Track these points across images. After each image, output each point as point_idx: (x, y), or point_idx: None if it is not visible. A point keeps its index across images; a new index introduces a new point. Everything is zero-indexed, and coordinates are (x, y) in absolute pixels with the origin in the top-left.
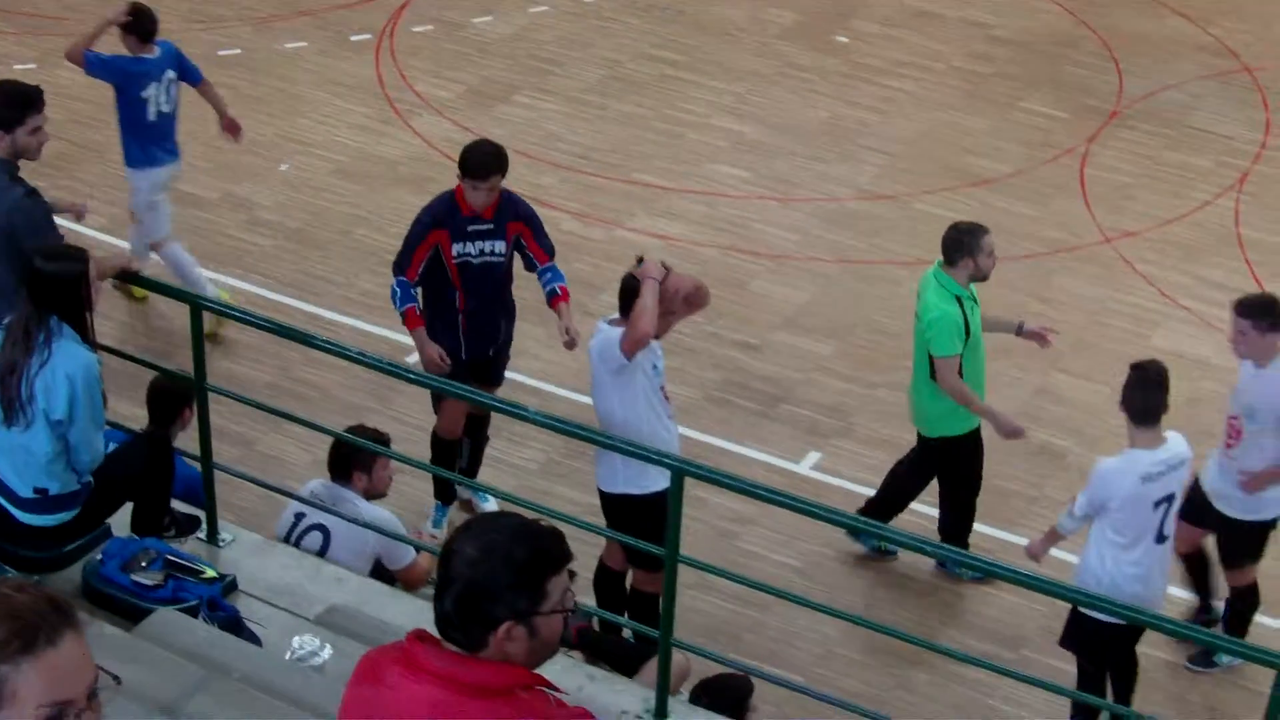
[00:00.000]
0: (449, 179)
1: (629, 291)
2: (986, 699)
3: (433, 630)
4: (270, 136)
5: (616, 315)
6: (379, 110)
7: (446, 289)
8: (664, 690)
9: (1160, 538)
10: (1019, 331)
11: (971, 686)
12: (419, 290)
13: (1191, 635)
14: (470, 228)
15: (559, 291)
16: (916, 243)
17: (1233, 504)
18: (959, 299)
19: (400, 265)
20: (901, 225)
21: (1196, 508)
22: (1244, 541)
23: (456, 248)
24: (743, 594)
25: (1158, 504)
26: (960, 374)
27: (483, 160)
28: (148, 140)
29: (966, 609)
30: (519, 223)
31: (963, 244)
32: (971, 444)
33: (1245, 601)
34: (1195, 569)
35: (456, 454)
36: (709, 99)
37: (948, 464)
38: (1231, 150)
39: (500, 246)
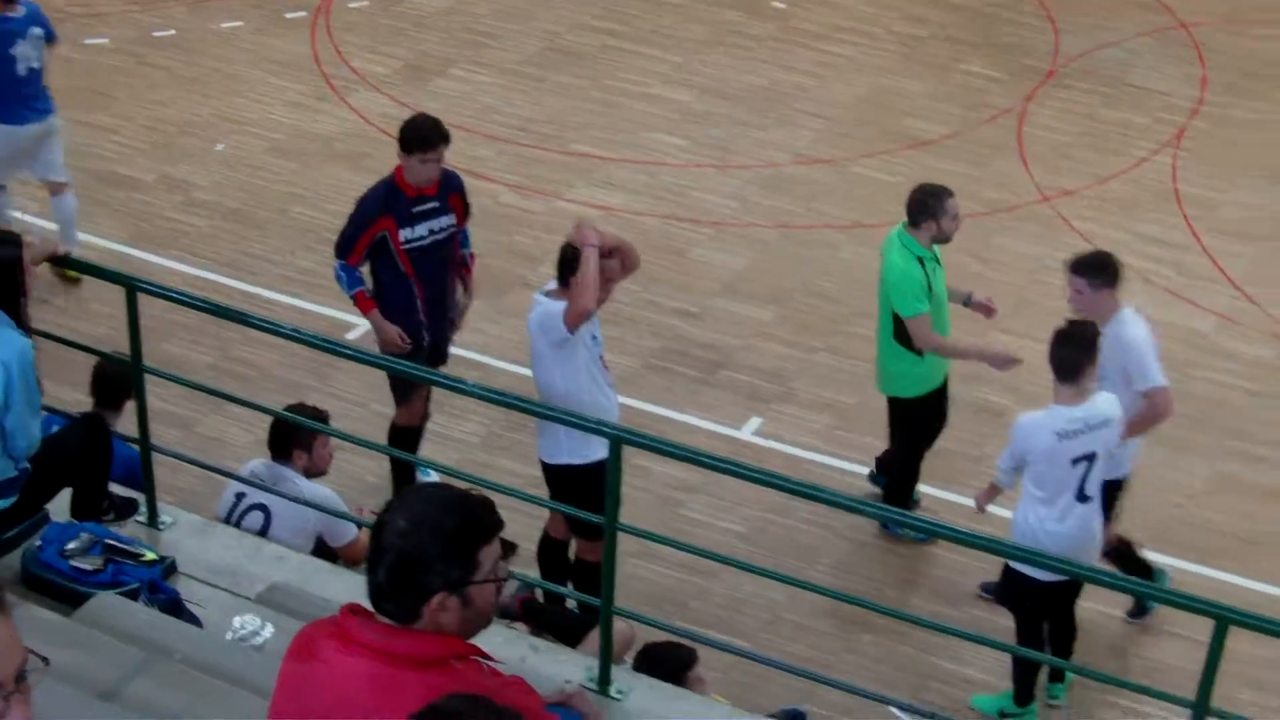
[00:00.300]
0: (386, 154)
1: (567, 261)
2: (932, 657)
3: (367, 604)
4: (206, 116)
5: (553, 286)
6: (315, 87)
7: (400, 279)
8: (606, 659)
9: (1082, 496)
10: (966, 302)
11: (917, 645)
12: (363, 273)
13: (1120, 586)
14: (415, 209)
15: (468, 261)
16: (855, 207)
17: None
18: (920, 260)
19: (343, 250)
20: (840, 189)
21: None
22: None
23: (404, 233)
24: (688, 561)
25: (1076, 461)
26: None
27: (430, 131)
28: (14, 98)
29: (910, 569)
30: (458, 195)
31: (927, 206)
32: (927, 408)
33: (1126, 555)
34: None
35: (418, 442)
36: (646, 68)
37: (900, 423)
38: (1168, 106)
39: (447, 220)
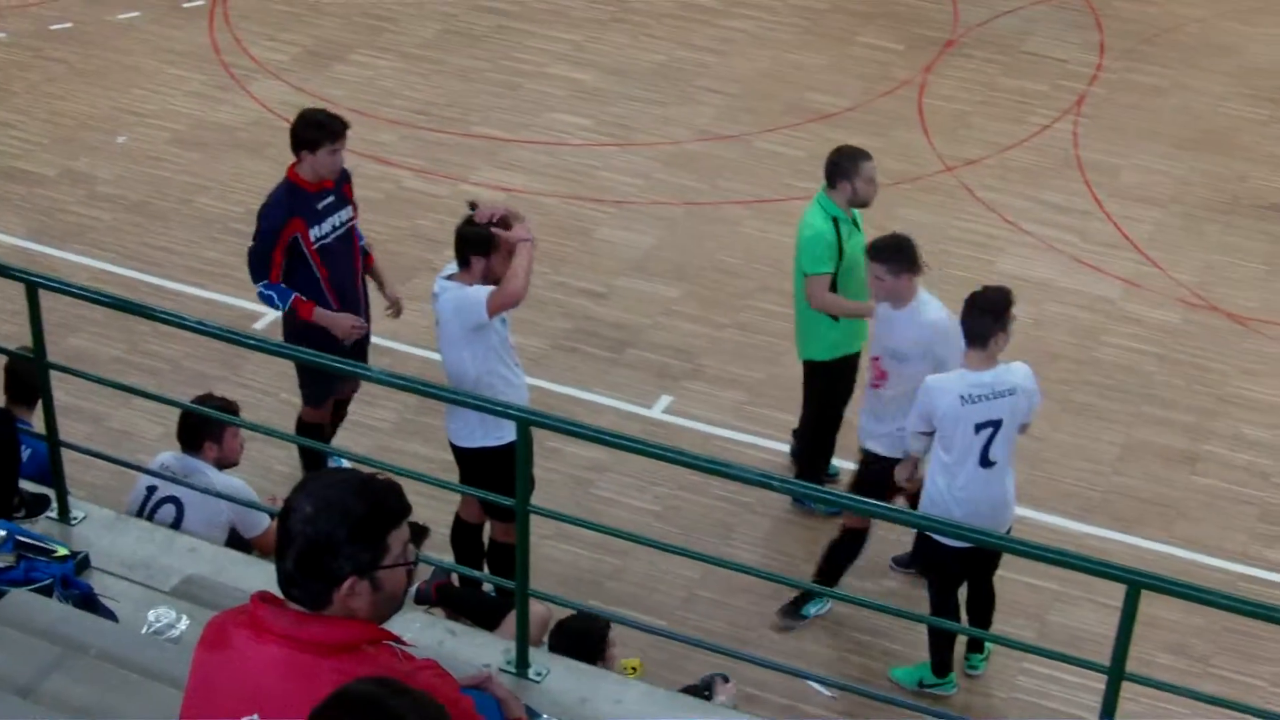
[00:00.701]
0: (287, 143)
1: (464, 240)
2: (850, 630)
3: (278, 592)
4: (106, 109)
5: (454, 269)
6: (214, 77)
7: (312, 281)
8: (524, 641)
9: (986, 462)
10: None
11: (834, 619)
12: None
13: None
14: (319, 205)
15: (369, 251)
16: (758, 181)
17: (881, 441)
18: (835, 220)
19: (260, 273)
20: (743, 165)
21: None
22: (881, 477)
23: (314, 232)
24: (603, 541)
25: (979, 427)
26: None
27: (337, 120)
28: None
29: (824, 543)
30: (349, 185)
31: (840, 168)
32: (839, 373)
33: (848, 549)
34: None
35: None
36: (545, 48)
37: (810, 388)
38: (1067, 73)
39: (347, 213)
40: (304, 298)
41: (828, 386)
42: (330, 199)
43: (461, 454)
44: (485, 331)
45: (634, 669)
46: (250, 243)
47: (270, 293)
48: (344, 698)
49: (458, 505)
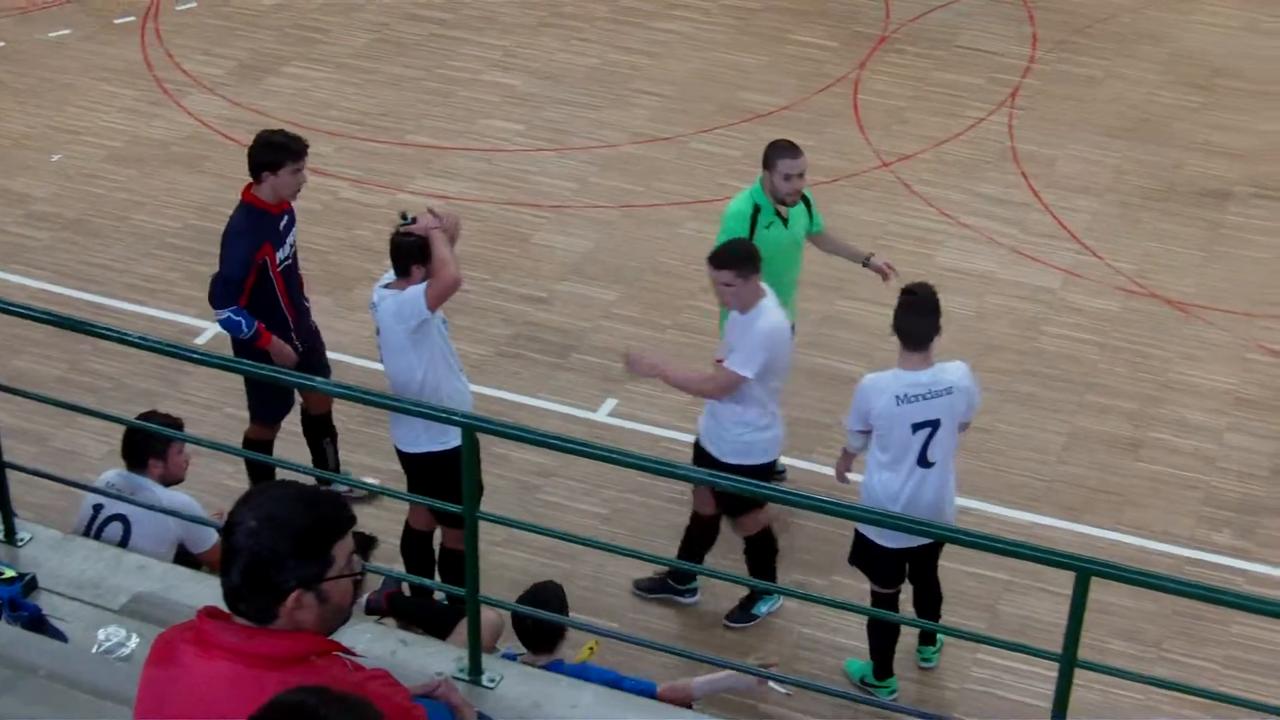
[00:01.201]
0: (224, 157)
1: (402, 250)
2: (800, 626)
3: (224, 606)
4: (40, 128)
5: (391, 278)
6: (148, 92)
7: (273, 303)
8: (476, 648)
9: (924, 462)
10: (865, 263)
11: (783, 615)
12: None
13: (972, 544)
14: (280, 226)
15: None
16: (694, 183)
17: (723, 448)
18: (758, 207)
19: (229, 296)
20: (679, 166)
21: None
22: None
23: (280, 254)
24: (552, 545)
25: (917, 427)
26: None
27: (298, 139)
28: None
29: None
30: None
31: (765, 158)
32: None
33: (763, 549)
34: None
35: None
36: (478, 55)
37: None
38: (1001, 66)
39: (295, 231)
40: (264, 326)
41: None
42: (286, 218)
43: (408, 460)
44: (428, 333)
45: (591, 649)
46: (217, 270)
47: (239, 319)
48: (276, 708)
49: (407, 514)
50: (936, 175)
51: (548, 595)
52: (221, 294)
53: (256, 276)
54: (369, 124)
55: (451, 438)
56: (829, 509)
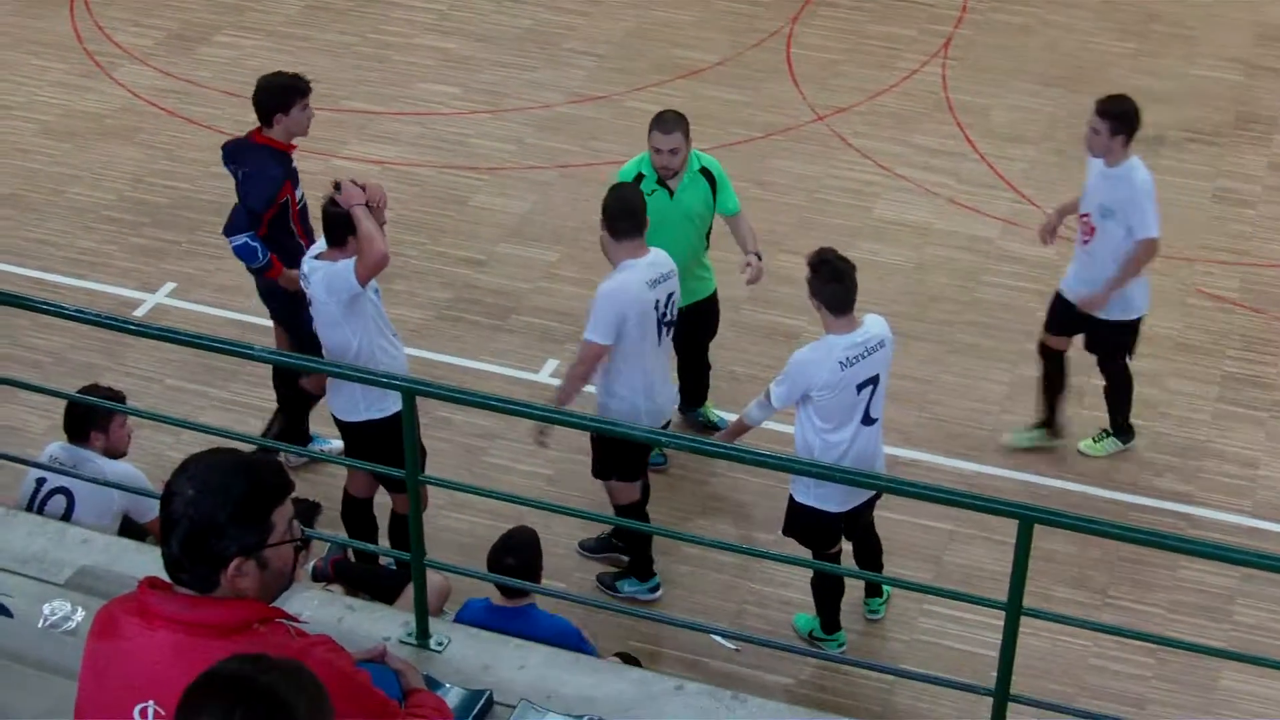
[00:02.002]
0: (158, 127)
1: (334, 219)
2: (747, 582)
3: (166, 576)
4: None
5: (322, 248)
6: (79, 65)
7: (297, 246)
8: (423, 612)
9: (868, 420)
10: (745, 264)
11: (729, 571)
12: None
13: (927, 496)
14: (293, 165)
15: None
16: (632, 141)
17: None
18: (641, 173)
19: (250, 222)
20: (615, 125)
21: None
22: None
23: (298, 193)
24: (497, 508)
25: (861, 386)
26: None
27: (297, 77)
28: None
29: (716, 496)
30: None
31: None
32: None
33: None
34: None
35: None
36: (411, 18)
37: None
38: (934, 17)
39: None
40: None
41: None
42: (293, 160)
43: (347, 429)
44: (361, 303)
45: None
46: (237, 201)
47: (255, 244)
48: (213, 678)
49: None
50: (872, 127)
51: (522, 540)
52: (241, 222)
53: (276, 213)
54: None
55: (389, 405)
56: (773, 463)
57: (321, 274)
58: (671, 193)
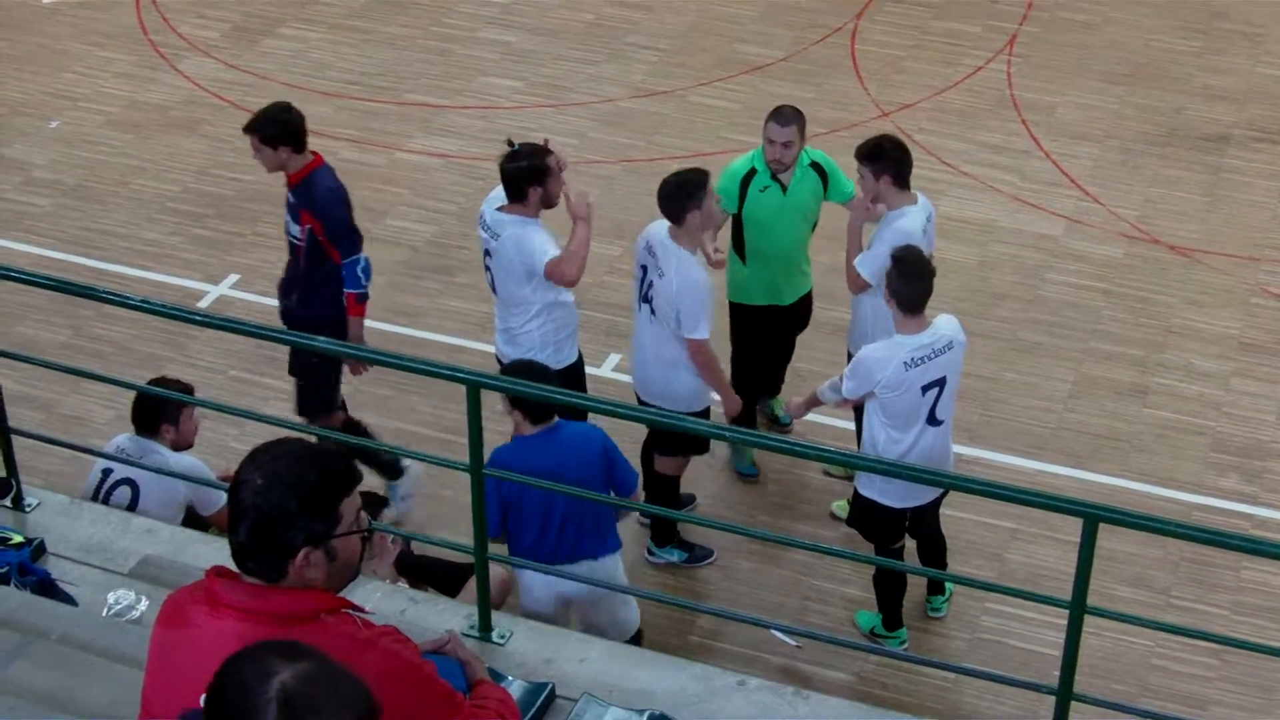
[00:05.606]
0: (221, 119)
1: (521, 174)
2: (810, 579)
3: (233, 566)
4: (37, 95)
5: (501, 200)
6: (144, 57)
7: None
8: (485, 605)
9: (934, 420)
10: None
11: (792, 568)
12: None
13: (986, 492)
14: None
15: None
16: (695, 135)
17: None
18: (753, 168)
19: (358, 242)
20: (679, 120)
21: None
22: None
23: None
24: None
25: (926, 388)
26: (743, 245)
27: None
28: None
29: (782, 493)
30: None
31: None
32: (737, 318)
33: (665, 494)
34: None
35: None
36: (474, 11)
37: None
38: (998, 14)
39: (296, 230)
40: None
41: (732, 328)
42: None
43: None
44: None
45: None
46: (336, 220)
47: (370, 265)
48: (239, 661)
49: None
50: (936, 124)
51: (534, 369)
52: (354, 240)
53: (316, 252)
54: (367, 84)
55: (566, 355)
56: (840, 460)
57: (512, 234)
58: (785, 188)
